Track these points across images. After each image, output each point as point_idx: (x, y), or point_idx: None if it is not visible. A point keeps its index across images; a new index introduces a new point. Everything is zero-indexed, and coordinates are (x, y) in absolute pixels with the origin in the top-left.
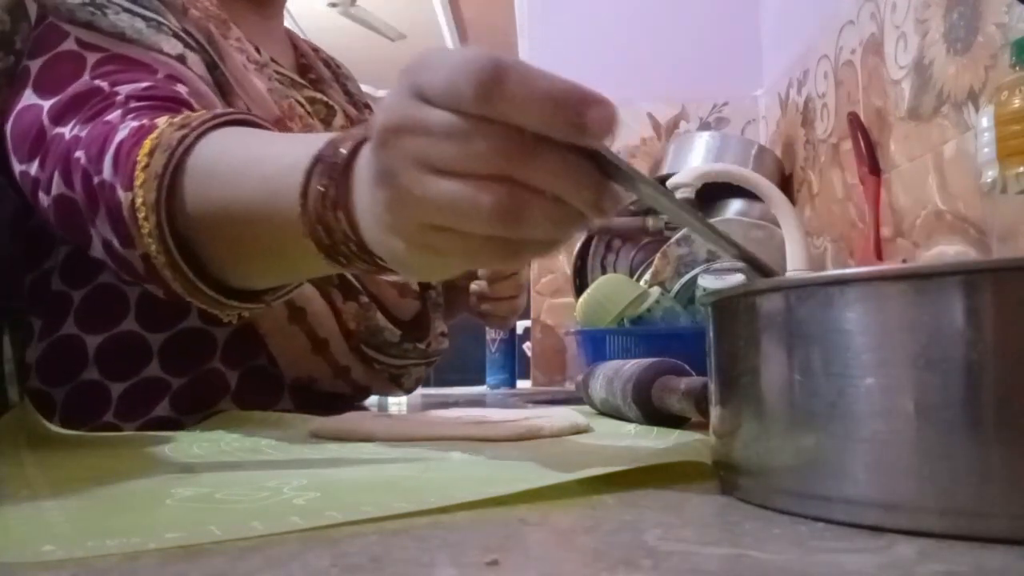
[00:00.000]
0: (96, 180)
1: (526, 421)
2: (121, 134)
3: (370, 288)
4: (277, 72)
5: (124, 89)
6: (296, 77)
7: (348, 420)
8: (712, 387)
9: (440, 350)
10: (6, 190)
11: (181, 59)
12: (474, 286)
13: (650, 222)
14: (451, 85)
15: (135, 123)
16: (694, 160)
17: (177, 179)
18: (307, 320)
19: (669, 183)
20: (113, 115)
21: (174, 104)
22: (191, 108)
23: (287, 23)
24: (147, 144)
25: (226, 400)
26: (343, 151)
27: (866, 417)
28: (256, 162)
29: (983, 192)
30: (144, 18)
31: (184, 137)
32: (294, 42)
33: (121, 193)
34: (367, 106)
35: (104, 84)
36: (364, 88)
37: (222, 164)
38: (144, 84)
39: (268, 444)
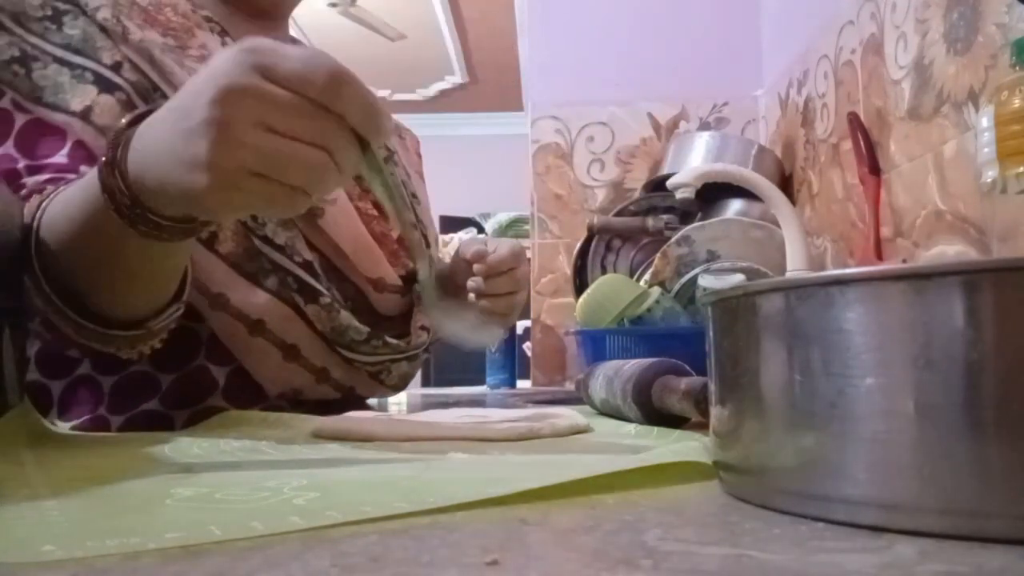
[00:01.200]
0: None
1: (526, 421)
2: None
3: (356, 281)
4: None
5: (30, 182)
6: None
7: (348, 420)
8: (712, 387)
9: (419, 344)
10: (4, 191)
11: (87, 113)
12: (471, 283)
13: (650, 222)
14: (304, 76)
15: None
16: (694, 160)
17: (40, 235)
18: (269, 329)
19: (669, 183)
20: None
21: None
22: None
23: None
24: (29, 207)
25: (215, 396)
26: (121, 124)
27: (866, 417)
28: (80, 182)
29: (983, 192)
30: (71, 66)
31: (43, 200)
32: None
33: None
34: None
35: (21, 165)
36: None
37: (59, 199)
38: (45, 176)
39: (268, 444)
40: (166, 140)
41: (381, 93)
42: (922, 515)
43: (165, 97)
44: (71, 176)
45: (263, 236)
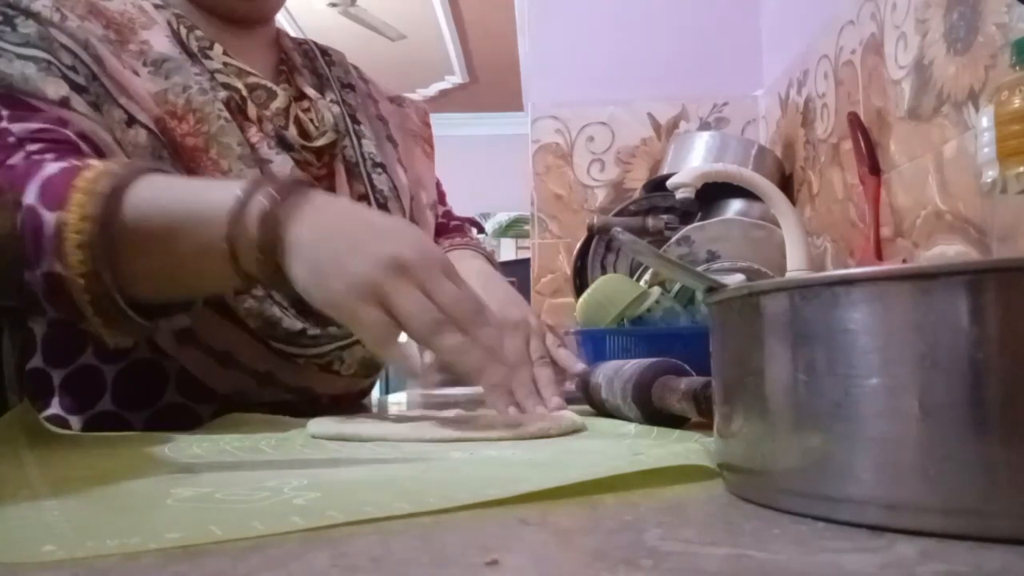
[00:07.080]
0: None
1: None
2: (50, 169)
3: None
4: (227, 63)
5: (16, 128)
6: (245, 67)
7: (348, 420)
8: (716, 387)
9: None
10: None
11: (65, 102)
12: None
13: (650, 222)
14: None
15: (63, 163)
16: (694, 160)
17: (118, 203)
18: (197, 338)
19: (669, 183)
20: (15, 158)
21: (67, 146)
22: (80, 150)
23: (287, 24)
24: (87, 174)
25: (170, 391)
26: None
27: (871, 417)
28: (200, 188)
29: (983, 192)
30: (35, 60)
31: (131, 172)
32: (280, 42)
33: (47, 214)
34: (348, 86)
35: (5, 114)
36: None
37: (165, 191)
38: (35, 126)
39: (268, 444)
40: (312, 235)
41: None
42: (926, 515)
43: (102, 87)
44: (67, 132)
45: None
